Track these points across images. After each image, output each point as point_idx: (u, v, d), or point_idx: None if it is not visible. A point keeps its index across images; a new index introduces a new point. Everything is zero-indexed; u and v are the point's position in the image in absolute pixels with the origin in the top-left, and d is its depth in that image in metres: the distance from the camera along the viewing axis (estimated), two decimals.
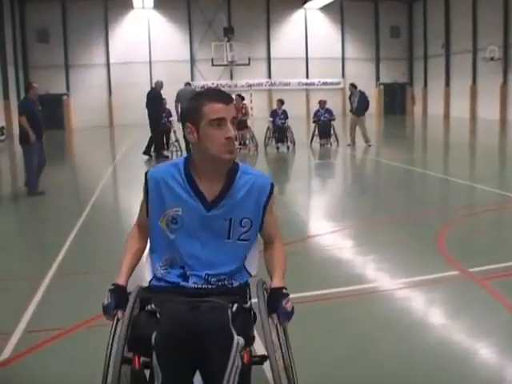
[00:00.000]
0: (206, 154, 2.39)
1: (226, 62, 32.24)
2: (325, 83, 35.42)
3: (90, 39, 33.19)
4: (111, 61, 33.97)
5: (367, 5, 36.84)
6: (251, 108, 18.50)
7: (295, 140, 16.80)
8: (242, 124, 16.03)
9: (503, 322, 4.07)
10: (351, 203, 9.41)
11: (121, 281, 2.49)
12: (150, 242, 2.63)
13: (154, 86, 16.16)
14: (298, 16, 36.39)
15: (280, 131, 16.85)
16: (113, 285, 2.47)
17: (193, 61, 35.12)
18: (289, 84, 35.38)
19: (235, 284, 2.55)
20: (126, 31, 34.04)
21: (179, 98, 15.60)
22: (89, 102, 32.79)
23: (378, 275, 5.33)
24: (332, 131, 17.38)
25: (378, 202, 9.40)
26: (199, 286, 2.50)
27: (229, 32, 32.76)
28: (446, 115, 33.49)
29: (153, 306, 2.38)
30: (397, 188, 10.69)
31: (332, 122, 17.39)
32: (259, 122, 19.09)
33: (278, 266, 2.59)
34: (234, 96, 17.65)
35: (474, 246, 6.32)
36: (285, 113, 17.02)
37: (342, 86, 35.44)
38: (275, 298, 2.41)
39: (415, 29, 37.88)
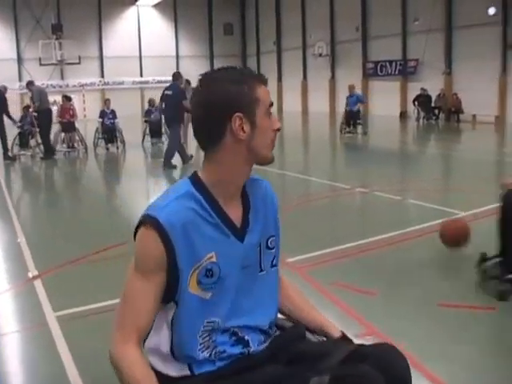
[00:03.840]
0: (252, 156, 1.78)
1: (55, 61, 30.96)
2: (159, 81, 34.99)
3: None
4: None
5: (200, 2, 36.99)
6: (84, 109, 17.92)
7: (125, 140, 16.43)
8: (70, 126, 15.52)
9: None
10: None
11: None
12: (174, 325, 1.79)
13: None
14: (130, 13, 35.75)
15: (109, 131, 16.38)
16: None
17: (20, 60, 33.19)
18: (123, 83, 34.60)
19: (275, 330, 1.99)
20: None
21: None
22: None
23: None
24: (163, 129, 17.19)
25: None
26: (268, 346, 1.90)
27: (57, 29, 31.44)
28: (280, 110, 34.53)
29: None
30: None
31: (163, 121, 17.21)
32: (93, 124, 18.50)
33: (308, 302, 2.14)
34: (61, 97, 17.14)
35: (293, 237, 6.47)
36: (113, 112, 16.58)
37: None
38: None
39: (248, 26, 38.72)
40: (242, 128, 1.72)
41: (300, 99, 33.44)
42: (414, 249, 5.94)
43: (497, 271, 4.62)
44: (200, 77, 1.79)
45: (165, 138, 17.07)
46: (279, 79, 35.58)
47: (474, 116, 24.06)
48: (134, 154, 15.95)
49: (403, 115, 27.23)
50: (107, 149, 16.28)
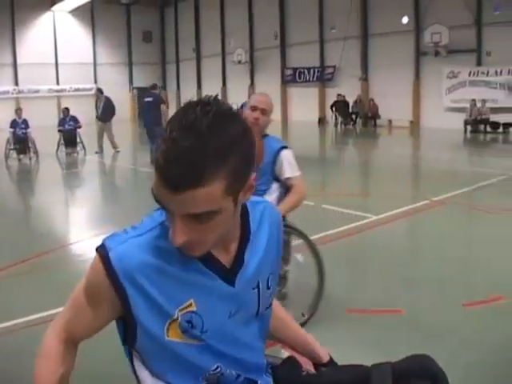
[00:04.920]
0: None
1: None
2: (77, 89, 34.24)
3: None
4: None
5: (118, 9, 36.33)
6: None
7: (39, 150, 15.90)
8: None
9: None
10: (103, 211, 9.14)
11: None
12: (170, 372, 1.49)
13: None
14: (46, 19, 34.59)
15: (21, 142, 15.75)
16: None
17: None
18: (38, 91, 33.56)
19: None
20: None
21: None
22: None
23: None
24: (78, 139, 16.79)
25: (127, 208, 9.13)
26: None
27: None
28: None
29: None
30: (139, 192, 10.58)
31: (78, 130, 16.78)
32: (5, 134, 17.82)
33: (293, 320, 1.94)
34: None
35: None
36: (25, 122, 15.97)
37: (94, 91, 34.55)
38: None
39: (167, 33, 38.41)
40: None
41: None
42: (323, 255, 5.94)
43: None
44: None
45: (79, 148, 16.67)
46: (199, 86, 35.44)
47: (390, 121, 24.75)
48: (48, 165, 15.46)
49: (322, 121, 27.65)
50: (19, 160, 15.69)
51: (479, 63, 22.71)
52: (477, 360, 3.51)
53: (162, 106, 13.89)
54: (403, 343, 3.82)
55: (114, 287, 1.34)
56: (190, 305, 1.40)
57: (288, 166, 4.06)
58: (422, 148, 19.07)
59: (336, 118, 25.99)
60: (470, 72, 22.90)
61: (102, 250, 1.35)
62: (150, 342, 1.42)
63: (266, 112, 3.95)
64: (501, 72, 21.94)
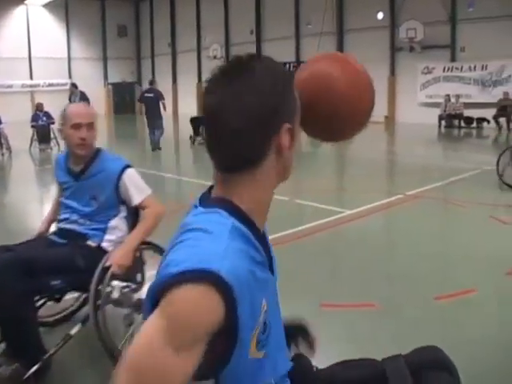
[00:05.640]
0: (285, 173, 1.37)
1: None
2: (51, 84, 33.85)
3: None
4: None
5: (93, 3, 35.97)
6: None
7: (11, 146, 15.68)
8: None
9: None
10: None
11: None
12: None
13: None
14: (18, 12, 34.12)
15: None
16: None
17: None
18: (11, 86, 33.12)
19: None
20: None
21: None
22: None
23: None
24: (52, 135, 16.61)
25: None
26: None
27: None
28: (175, 112, 34.17)
29: None
30: None
31: (52, 126, 16.58)
32: None
33: None
34: None
35: None
36: None
37: (69, 86, 34.22)
38: None
39: (142, 27, 38.14)
40: (289, 139, 1.31)
41: (195, 102, 33.25)
42: (295, 250, 5.96)
43: None
44: (220, 68, 1.29)
45: (53, 144, 16.48)
46: (174, 81, 35.29)
47: None
48: (21, 161, 15.26)
49: None
50: None
51: (453, 59, 22.94)
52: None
53: (163, 102, 15.93)
54: (377, 337, 3.84)
55: (226, 308, 1.13)
56: (264, 305, 1.26)
57: (135, 190, 3.46)
58: (397, 143, 19.22)
59: None
60: (445, 68, 23.11)
61: (207, 275, 1.12)
62: (236, 362, 1.21)
63: (92, 125, 3.43)
64: (474, 68, 22.17)
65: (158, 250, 3.53)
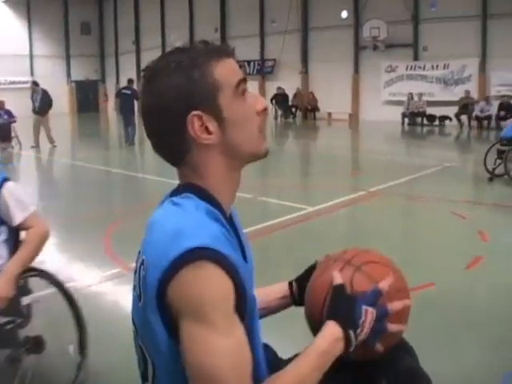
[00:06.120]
0: (235, 159, 1.33)
1: None
2: (12, 82, 33.25)
3: None
4: None
5: (56, 0, 35.52)
6: None
7: None
8: None
9: None
10: (40, 207, 8.84)
11: None
12: None
13: None
14: None
15: None
16: None
17: None
18: None
19: None
20: None
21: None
22: None
23: None
24: (13, 133, 16.30)
25: (66, 204, 8.88)
26: None
27: None
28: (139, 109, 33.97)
29: None
30: (77, 188, 10.38)
31: (13, 124, 16.29)
32: None
33: None
34: None
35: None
36: None
37: (30, 84, 33.67)
38: None
39: (106, 25, 37.71)
40: (206, 129, 1.26)
41: None
42: (259, 247, 5.94)
43: None
44: (142, 72, 1.32)
45: (14, 143, 16.18)
46: (138, 79, 34.94)
47: (330, 114, 25.02)
48: None
49: None
50: None
51: (416, 58, 23.22)
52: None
53: (137, 101, 15.97)
54: None
55: (233, 283, 1.17)
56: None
57: (17, 207, 2.91)
58: (361, 140, 19.37)
59: (276, 111, 26.11)
60: (408, 66, 23.38)
61: (207, 253, 1.14)
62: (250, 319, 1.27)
63: None
64: (437, 66, 22.47)
65: (46, 276, 3.09)
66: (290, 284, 1.87)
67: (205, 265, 1.13)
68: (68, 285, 4.37)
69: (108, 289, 4.86)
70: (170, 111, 1.25)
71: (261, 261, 5.28)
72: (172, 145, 1.29)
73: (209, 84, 1.26)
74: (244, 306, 1.21)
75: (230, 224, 1.33)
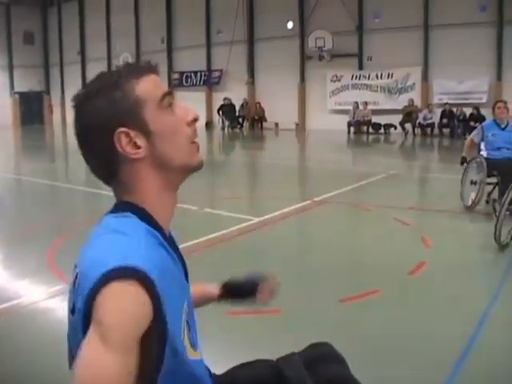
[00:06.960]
0: (166, 172, 1.33)
1: None
2: None
3: None
4: None
5: None
6: None
7: None
8: None
9: None
10: None
11: None
12: None
13: None
14: None
15: None
16: None
17: None
18: None
19: None
20: None
21: None
22: None
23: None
24: None
25: (11, 220, 8.60)
26: None
27: None
28: None
29: None
30: (20, 203, 10.10)
31: None
32: None
33: None
34: None
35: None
36: None
37: None
38: None
39: (51, 35, 37.08)
40: (135, 144, 1.28)
41: None
42: (203, 260, 5.87)
43: None
44: (71, 102, 1.34)
45: None
46: None
47: (277, 124, 25.19)
48: None
49: (209, 125, 27.65)
50: None
51: (361, 67, 23.62)
52: (351, 352, 3.56)
53: None
54: (279, 343, 3.82)
55: (152, 303, 1.13)
56: (185, 304, 1.31)
57: None
58: (308, 149, 19.53)
59: (223, 122, 26.13)
60: (353, 76, 23.75)
61: (131, 272, 1.11)
62: (172, 363, 1.22)
63: None
64: (381, 76, 22.89)
65: None
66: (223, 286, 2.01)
67: (130, 285, 1.11)
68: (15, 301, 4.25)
69: (55, 304, 4.69)
70: (98, 132, 1.28)
71: (200, 274, 5.25)
72: (105, 164, 1.31)
73: (131, 102, 1.28)
74: (164, 332, 1.18)
75: (170, 242, 1.34)
